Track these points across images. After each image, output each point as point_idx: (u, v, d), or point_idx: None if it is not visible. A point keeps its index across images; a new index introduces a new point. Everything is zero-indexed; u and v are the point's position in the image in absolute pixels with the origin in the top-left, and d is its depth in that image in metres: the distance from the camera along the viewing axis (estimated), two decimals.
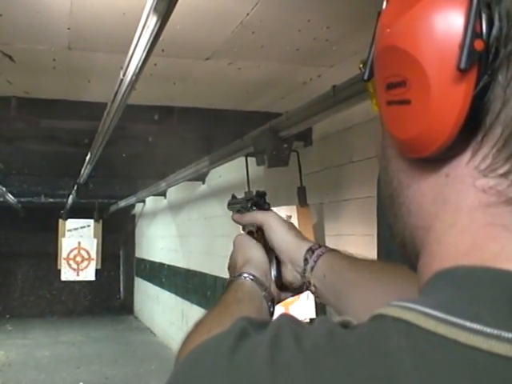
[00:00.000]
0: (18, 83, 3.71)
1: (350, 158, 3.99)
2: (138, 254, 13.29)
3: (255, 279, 0.98)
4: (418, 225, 0.52)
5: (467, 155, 0.48)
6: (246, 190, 4.43)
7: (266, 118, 4.14)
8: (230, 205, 1.27)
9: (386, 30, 0.51)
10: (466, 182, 0.48)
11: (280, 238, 1.05)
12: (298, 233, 1.07)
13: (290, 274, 1.03)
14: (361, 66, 0.57)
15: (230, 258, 1.10)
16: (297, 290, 1.06)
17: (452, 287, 0.45)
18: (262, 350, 0.45)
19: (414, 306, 0.44)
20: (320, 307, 4.03)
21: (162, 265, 10.53)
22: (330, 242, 4.13)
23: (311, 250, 0.99)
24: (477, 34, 0.44)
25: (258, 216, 1.11)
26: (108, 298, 14.62)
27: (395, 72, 0.50)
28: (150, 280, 11.79)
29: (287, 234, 1.06)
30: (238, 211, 1.20)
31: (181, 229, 9.09)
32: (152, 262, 11.51)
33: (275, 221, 1.08)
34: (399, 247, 0.58)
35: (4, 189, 7.71)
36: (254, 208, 1.14)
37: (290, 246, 1.03)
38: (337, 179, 4.18)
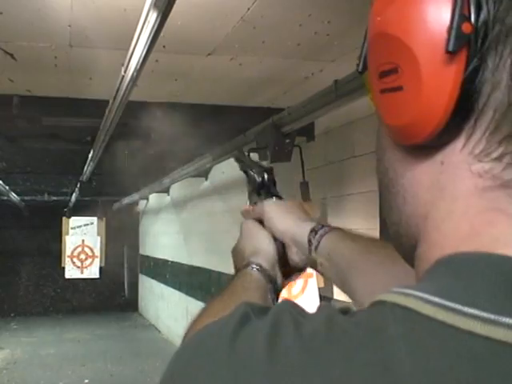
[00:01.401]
0: (20, 81, 3.72)
1: (352, 152, 3.99)
2: (141, 251, 13.31)
3: (262, 270, 0.98)
4: (415, 213, 0.52)
5: (461, 141, 0.48)
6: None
7: (268, 113, 4.14)
8: (239, 161, 1.22)
9: (377, 19, 0.52)
10: (461, 168, 0.48)
11: (279, 225, 1.05)
12: (299, 213, 1.07)
13: (296, 256, 1.03)
14: (357, 62, 0.58)
15: (236, 244, 1.10)
16: (301, 270, 1.07)
17: (450, 273, 0.45)
18: (261, 336, 0.46)
19: (413, 292, 0.44)
20: (325, 301, 4.04)
21: (166, 262, 10.54)
22: None
23: (314, 231, 0.99)
24: (465, 18, 0.45)
25: (256, 210, 1.11)
26: (112, 295, 14.64)
27: (387, 59, 0.50)
28: (154, 277, 11.81)
29: (286, 217, 1.06)
30: (246, 172, 1.16)
31: (184, 225, 9.10)
32: (156, 259, 11.52)
33: (271, 210, 1.08)
34: (393, 238, 0.58)
35: (7, 187, 7.73)
36: (262, 191, 1.13)
37: (291, 229, 1.03)
38: (339, 174, 4.18)
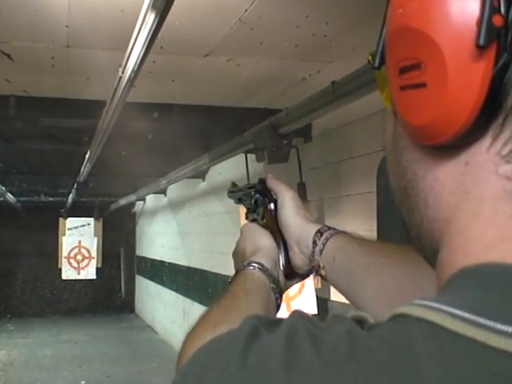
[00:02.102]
0: (17, 82, 3.71)
1: (349, 153, 3.99)
2: (138, 252, 13.29)
3: (264, 269, 0.95)
4: (437, 217, 0.50)
5: (487, 140, 0.46)
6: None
7: (265, 114, 4.14)
8: (231, 192, 1.24)
9: (399, 11, 0.48)
10: (487, 170, 0.46)
11: (289, 216, 1.02)
12: (307, 215, 1.04)
13: (298, 258, 1.00)
14: (370, 58, 0.55)
15: (237, 246, 1.07)
16: (304, 275, 1.04)
17: (480, 286, 0.42)
18: (276, 352, 0.42)
19: (440, 306, 0.41)
20: (321, 302, 4.04)
21: (162, 263, 10.52)
22: None
23: (320, 232, 0.96)
24: (495, 9, 0.42)
25: (280, 187, 1.07)
26: (109, 296, 14.62)
27: (409, 54, 0.47)
28: (151, 278, 11.79)
29: (297, 214, 1.03)
30: (240, 200, 1.17)
31: (181, 226, 9.09)
32: (153, 260, 11.51)
33: (290, 198, 1.05)
34: (414, 241, 0.55)
35: (4, 188, 7.71)
36: (258, 195, 1.12)
37: (298, 227, 1.00)
38: (337, 175, 4.18)
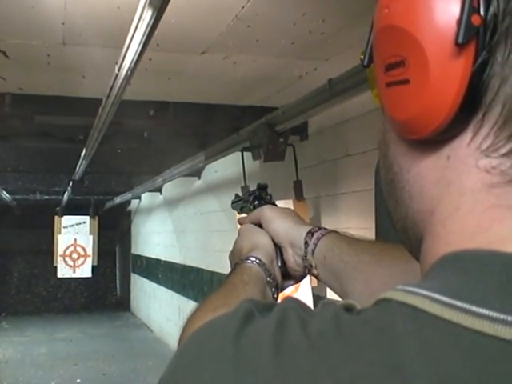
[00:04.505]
0: (12, 79, 3.70)
1: (345, 151, 3.99)
2: (134, 251, 13.28)
3: (261, 264, 0.98)
4: (421, 209, 0.52)
5: (468, 135, 0.47)
6: (243, 184, 4.42)
7: (261, 112, 4.13)
8: (234, 203, 1.27)
9: (384, 11, 0.51)
10: (468, 163, 0.48)
11: (278, 226, 1.06)
12: (296, 218, 1.08)
13: (292, 260, 1.03)
14: (361, 56, 0.57)
15: (234, 246, 1.09)
16: (299, 277, 1.07)
17: (458, 271, 0.44)
18: (267, 334, 0.45)
19: (419, 291, 0.44)
20: (317, 301, 4.04)
21: (158, 261, 10.52)
22: None
23: (311, 233, 0.99)
24: (474, 10, 0.44)
25: (254, 214, 1.12)
26: (104, 294, 14.62)
27: (394, 52, 0.50)
28: (146, 276, 11.79)
29: (284, 221, 1.06)
30: (242, 208, 1.20)
31: (177, 224, 9.09)
32: (148, 258, 11.50)
33: (270, 212, 1.09)
34: (400, 233, 0.57)
35: None
36: (257, 202, 1.15)
37: (289, 232, 1.04)
38: (333, 173, 4.18)
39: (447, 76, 0.46)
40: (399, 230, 0.57)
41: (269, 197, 1.17)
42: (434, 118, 0.47)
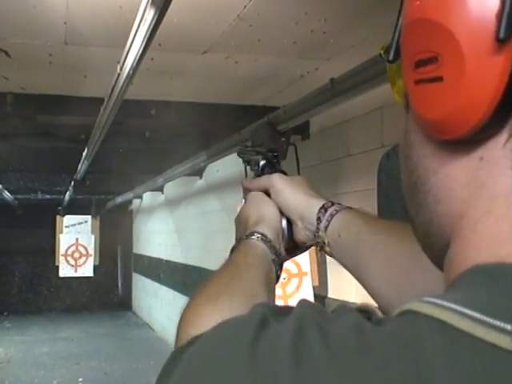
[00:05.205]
0: (14, 79, 3.70)
1: (347, 151, 3.99)
2: (135, 250, 13.28)
3: (267, 241, 0.92)
4: (448, 212, 0.49)
5: (504, 136, 0.45)
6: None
7: (263, 111, 4.13)
8: (241, 153, 1.20)
9: (416, 3, 0.48)
10: (502, 166, 0.45)
11: (288, 198, 1.00)
12: (308, 189, 1.02)
13: (302, 233, 0.98)
14: (381, 51, 0.54)
15: (241, 212, 1.04)
16: (305, 249, 1.02)
17: (491, 286, 0.42)
18: (284, 342, 0.42)
19: (448, 304, 0.41)
20: (319, 300, 4.03)
21: (159, 260, 10.52)
22: None
23: (324, 208, 0.94)
24: None
25: (262, 181, 1.05)
26: (106, 294, 14.62)
27: (425, 47, 0.47)
28: (148, 276, 11.78)
29: (295, 192, 1.00)
30: (249, 162, 1.13)
31: (178, 224, 9.08)
32: (150, 258, 11.50)
33: (280, 182, 1.02)
34: (422, 238, 0.55)
35: (0, 186, 7.69)
36: (266, 166, 1.09)
37: (300, 205, 0.98)
38: (335, 172, 4.17)
39: (485, 73, 0.43)
40: (421, 236, 0.55)
41: (278, 165, 1.10)
42: (470, 118, 0.45)
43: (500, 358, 0.38)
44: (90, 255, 10.44)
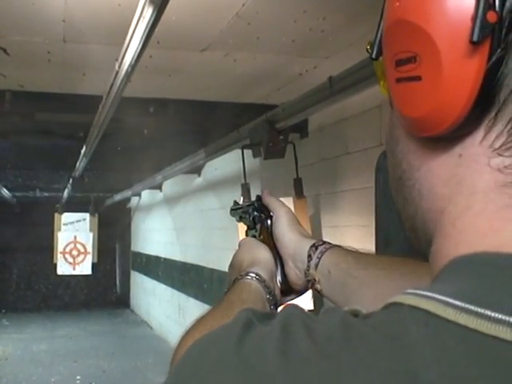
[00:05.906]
0: (13, 76, 3.69)
1: (346, 149, 3.99)
2: (134, 248, 13.28)
3: (261, 280, 0.96)
4: (431, 208, 0.51)
5: (480, 133, 0.46)
6: (243, 182, 4.41)
7: (261, 109, 4.13)
8: (232, 210, 1.27)
9: (396, 4, 0.49)
10: (480, 162, 0.46)
11: (284, 231, 1.04)
12: (302, 231, 1.06)
13: (293, 273, 1.01)
14: (368, 47, 0.55)
15: (234, 258, 1.07)
16: (300, 292, 1.05)
17: (472, 275, 0.43)
18: (271, 341, 0.43)
19: (432, 295, 0.42)
20: (317, 299, 4.04)
21: (158, 258, 10.52)
22: (326, 234, 4.13)
23: (315, 247, 0.97)
24: (489, 6, 0.43)
25: (274, 203, 1.10)
26: (104, 291, 14.61)
27: (405, 47, 0.48)
28: (146, 273, 11.79)
29: (292, 229, 1.04)
30: (241, 218, 1.19)
31: (177, 222, 9.08)
32: (148, 256, 11.50)
33: (285, 214, 1.07)
34: (409, 232, 0.56)
35: None
36: (256, 213, 1.13)
37: (293, 241, 1.02)
38: (333, 170, 4.18)
39: (461, 74, 0.45)
40: (408, 228, 0.56)
41: (266, 210, 1.14)
42: (447, 116, 0.46)
43: (482, 343, 0.38)
44: (88, 253, 10.44)
